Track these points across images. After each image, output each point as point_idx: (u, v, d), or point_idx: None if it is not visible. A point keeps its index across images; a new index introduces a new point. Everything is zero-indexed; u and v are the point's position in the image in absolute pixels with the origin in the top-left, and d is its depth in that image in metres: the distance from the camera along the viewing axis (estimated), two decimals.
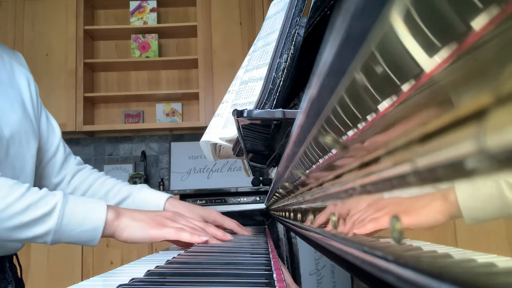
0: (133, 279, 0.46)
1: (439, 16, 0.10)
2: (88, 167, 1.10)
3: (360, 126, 0.18)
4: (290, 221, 0.57)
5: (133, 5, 3.16)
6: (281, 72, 0.54)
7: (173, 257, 0.66)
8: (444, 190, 0.12)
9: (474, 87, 0.10)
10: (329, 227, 0.28)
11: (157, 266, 0.55)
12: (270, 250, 0.70)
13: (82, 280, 0.63)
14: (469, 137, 0.10)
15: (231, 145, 0.72)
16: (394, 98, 0.14)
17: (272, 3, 0.69)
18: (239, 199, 2.70)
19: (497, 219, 0.10)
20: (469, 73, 0.10)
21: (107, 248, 2.57)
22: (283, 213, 0.71)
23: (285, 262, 0.60)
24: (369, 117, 0.17)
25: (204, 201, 2.69)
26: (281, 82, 0.54)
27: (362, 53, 0.15)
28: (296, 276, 0.49)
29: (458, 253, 0.12)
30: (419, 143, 0.13)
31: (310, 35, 0.58)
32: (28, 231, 0.71)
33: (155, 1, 3.17)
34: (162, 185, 3.02)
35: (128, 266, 0.63)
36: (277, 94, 0.54)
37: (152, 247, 2.52)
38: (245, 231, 1.04)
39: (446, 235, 0.13)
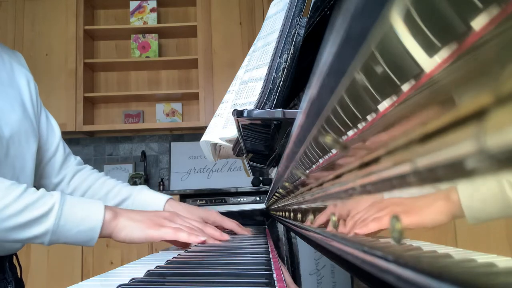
0: (133, 279, 0.46)
1: (439, 16, 0.10)
2: (88, 167, 1.10)
3: (360, 126, 0.18)
4: (290, 221, 0.57)
5: (133, 5, 3.16)
6: (281, 72, 0.54)
7: (173, 257, 0.66)
8: (446, 190, 0.12)
9: (474, 87, 0.10)
10: (329, 227, 0.28)
11: (157, 266, 0.55)
12: (270, 250, 0.70)
13: (82, 280, 0.63)
14: (470, 137, 0.10)
15: (231, 145, 0.72)
16: (394, 98, 0.14)
17: (272, 3, 0.69)
18: (239, 199, 2.70)
19: (498, 219, 0.10)
20: (469, 73, 0.10)
21: (107, 248, 2.57)
22: (283, 213, 0.71)
23: (285, 262, 0.60)
24: (369, 117, 0.17)
25: (204, 201, 2.69)
26: (281, 82, 0.54)
27: (362, 53, 0.15)
28: (296, 276, 0.49)
29: (458, 253, 0.12)
30: (420, 143, 0.13)
31: (310, 35, 0.58)
32: (25, 231, 0.71)
33: (155, 1, 3.17)
34: (162, 185, 3.02)
35: (128, 266, 0.63)
36: (277, 94, 0.54)
37: (152, 247, 2.53)
38: (245, 231, 1.04)
39: (446, 235, 0.13)
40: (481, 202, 0.10)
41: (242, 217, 1.40)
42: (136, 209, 0.98)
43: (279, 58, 0.54)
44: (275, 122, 0.50)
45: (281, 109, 0.49)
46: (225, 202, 2.69)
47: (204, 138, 0.79)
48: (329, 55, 0.17)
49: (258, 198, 2.69)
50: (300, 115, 0.27)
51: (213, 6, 3.07)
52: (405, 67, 0.13)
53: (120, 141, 3.23)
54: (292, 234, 0.60)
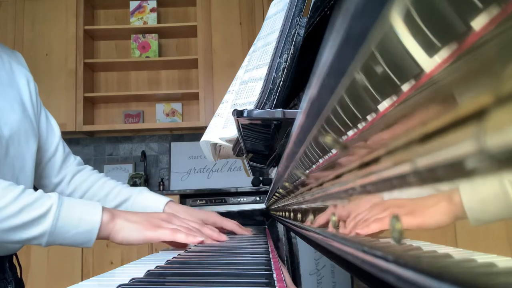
0: (133, 279, 0.46)
1: (439, 16, 0.10)
2: (88, 167, 1.10)
3: (360, 126, 0.18)
4: (290, 221, 0.57)
5: (133, 5, 3.16)
6: (281, 72, 0.54)
7: (173, 257, 0.66)
8: (448, 192, 0.12)
9: (475, 87, 0.10)
10: (329, 227, 0.28)
11: (157, 266, 0.55)
12: (270, 250, 0.70)
13: (82, 280, 0.63)
14: (471, 137, 0.10)
15: (231, 145, 0.72)
16: (394, 98, 0.14)
17: (272, 3, 0.69)
18: (239, 199, 2.70)
19: (501, 220, 0.10)
20: (469, 73, 0.10)
21: (107, 248, 2.57)
22: (283, 213, 0.71)
23: (285, 262, 0.60)
24: (369, 117, 0.17)
25: (204, 201, 2.69)
26: (281, 82, 0.54)
27: (362, 53, 0.15)
28: (296, 276, 0.49)
29: (458, 253, 0.12)
30: (420, 143, 0.13)
31: (310, 35, 0.58)
32: (23, 232, 0.71)
33: (155, 1, 3.17)
34: (162, 185, 3.02)
35: (128, 266, 0.63)
36: (277, 94, 0.54)
37: (152, 247, 2.53)
38: (245, 231, 1.05)
39: (446, 235, 0.13)
40: (483, 204, 0.10)
41: (242, 217, 1.40)
42: (135, 211, 0.98)
43: (279, 58, 0.54)
44: (275, 122, 0.50)
45: (281, 109, 0.49)
46: (225, 202, 2.69)
47: (204, 138, 0.79)
48: (329, 55, 0.17)
49: (258, 198, 2.69)
50: (300, 115, 0.27)
51: (213, 6, 3.07)
52: (405, 67, 0.13)
53: (120, 141, 3.23)
54: (292, 234, 0.60)
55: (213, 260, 0.59)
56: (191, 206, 2.66)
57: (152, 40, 3.13)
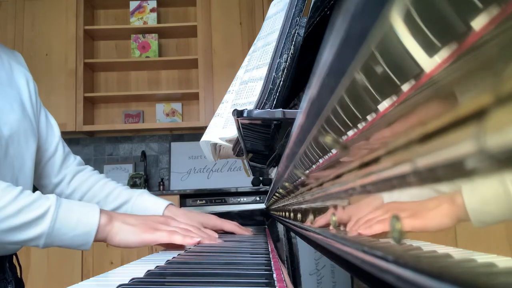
0: (133, 279, 0.46)
1: (439, 16, 0.10)
2: (89, 168, 1.10)
3: (360, 126, 0.18)
4: (290, 221, 0.57)
5: (133, 5, 3.16)
6: (281, 72, 0.54)
7: (173, 257, 0.66)
8: (450, 193, 0.12)
9: (475, 87, 0.10)
10: (330, 227, 0.28)
11: (157, 266, 0.55)
12: (270, 250, 0.70)
13: (82, 280, 0.63)
14: (473, 137, 0.10)
15: (231, 145, 0.72)
16: (394, 98, 0.14)
17: (272, 3, 0.69)
18: (239, 199, 2.70)
19: (504, 221, 0.10)
20: (469, 73, 0.10)
21: (107, 248, 2.57)
22: (283, 213, 0.71)
23: (285, 262, 0.60)
24: (369, 117, 0.17)
25: (204, 201, 2.69)
26: (281, 82, 0.54)
27: (362, 53, 0.15)
28: (296, 276, 0.49)
29: (458, 253, 0.12)
30: (420, 143, 0.13)
31: (310, 35, 0.58)
32: (20, 234, 0.71)
33: (155, 1, 3.17)
34: (162, 185, 3.02)
35: (128, 266, 0.63)
36: (277, 94, 0.54)
37: (152, 247, 2.53)
38: (245, 232, 1.05)
39: (446, 235, 0.13)
40: (487, 205, 0.10)
41: (242, 218, 1.40)
42: (135, 214, 0.98)
43: (279, 58, 0.54)
44: (275, 122, 0.50)
45: (281, 109, 0.49)
46: (225, 202, 2.69)
47: (204, 138, 0.79)
48: (329, 55, 0.17)
49: (258, 198, 2.69)
50: (300, 115, 0.27)
51: (213, 6, 3.07)
52: (405, 67, 0.13)
53: (120, 141, 3.23)
54: (292, 234, 0.60)
55: (213, 260, 0.59)
56: (191, 206, 2.66)
57: (152, 40, 3.13)
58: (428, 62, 0.11)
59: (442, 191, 0.12)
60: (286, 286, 0.42)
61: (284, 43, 0.54)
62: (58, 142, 1.04)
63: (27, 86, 0.97)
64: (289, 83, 0.55)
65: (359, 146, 0.19)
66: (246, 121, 0.52)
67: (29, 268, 2.52)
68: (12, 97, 0.91)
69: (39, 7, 3.04)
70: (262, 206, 2.09)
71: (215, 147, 0.81)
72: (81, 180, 1.05)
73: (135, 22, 3.14)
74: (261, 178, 2.35)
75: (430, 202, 0.13)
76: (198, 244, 0.81)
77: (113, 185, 1.05)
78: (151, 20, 3.15)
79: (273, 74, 0.54)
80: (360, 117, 0.18)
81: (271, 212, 1.16)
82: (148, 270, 0.51)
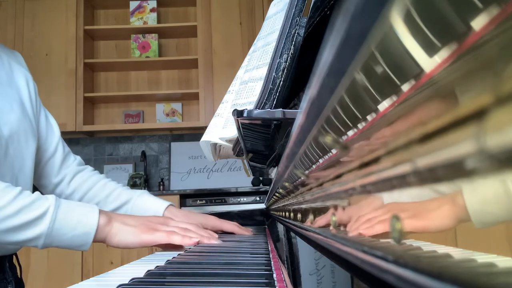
0: (133, 279, 0.46)
1: (439, 16, 0.10)
2: (89, 168, 1.10)
3: (360, 126, 0.18)
4: (290, 221, 0.57)
5: (133, 5, 3.16)
6: (281, 72, 0.54)
7: (173, 257, 0.66)
8: (451, 194, 0.12)
9: (475, 87, 0.10)
10: (330, 227, 0.28)
11: (157, 266, 0.55)
12: (270, 250, 0.70)
13: (82, 280, 0.63)
14: (473, 137, 0.10)
15: (231, 145, 0.72)
16: (394, 98, 0.14)
17: (272, 3, 0.69)
18: (239, 199, 2.70)
19: (505, 222, 0.10)
20: (470, 73, 0.10)
21: (107, 248, 2.57)
22: (283, 213, 0.71)
23: (285, 262, 0.60)
24: (369, 117, 0.17)
25: (204, 201, 2.69)
26: (281, 82, 0.54)
27: (362, 53, 0.15)
28: (296, 276, 0.49)
29: (458, 253, 0.12)
30: (420, 143, 0.13)
31: (310, 35, 0.58)
32: (20, 234, 0.71)
33: (155, 1, 3.17)
34: (162, 185, 3.02)
35: (128, 266, 0.63)
36: (277, 94, 0.54)
37: (152, 247, 2.52)
38: (245, 232, 1.05)
39: (446, 235, 0.13)
40: (487, 206, 0.10)
41: (241, 218, 1.40)
42: (135, 214, 0.98)
43: (279, 58, 0.54)
44: (275, 122, 0.50)
45: (281, 109, 0.49)
46: (225, 202, 2.69)
47: (204, 138, 0.79)
48: (329, 55, 0.17)
49: (258, 198, 2.69)
50: (300, 115, 0.27)
51: (213, 6, 3.07)
52: (405, 67, 0.13)
53: (120, 141, 3.23)
54: (292, 234, 0.60)
55: (213, 260, 0.59)
56: (191, 206, 2.66)
57: (152, 40, 3.13)
58: (428, 62, 0.11)
59: (442, 192, 0.12)
60: (286, 286, 0.42)
61: (284, 43, 0.54)
62: (58, 142, 1.04)
63: (27, 86, 0.97)
64: (289, 83, 0.55)
65: (359, 146, 0.19)
66: (246, 121, 0.52)
67: (29, 268, 2.52)
68: (12, 97, 0.91)
69: (39, 7, 3.04)
70: (262, 206, 2.09)
71: (215, 147, 0.81)
72: (81, 180, 1.05)
73: (135, 22, 3.14)
74: (261, 178, 2.35)
75: (431, 203, 0.13)
76: (197, 244, 0.81)
77: (113, 185, 1.05)
78: (151, 20, 3.15)
79: (273, 74, 0.54)
80: (360, 117, 0.18)
81: (271, 212, 1.16)
82: (148, 270, 0.51)
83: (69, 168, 1.05)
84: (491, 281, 0.10)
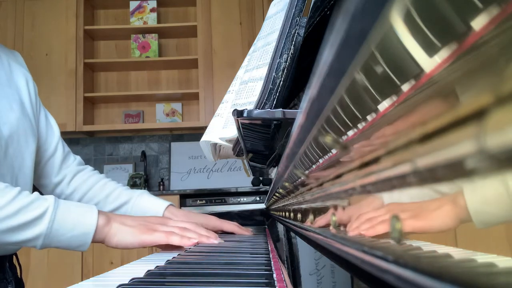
0: (133, 279, 0.46)
1: (439, 16, 0.10)
2: (89, 168, 1.10)
3: (360, 126, 0.18)
4: (290, 221, 0.57)
5: (133, 5, 3.16)
6: (281, 72, 0.54)
7: (173, 257, 0.66)
8: (452, 195, 0.12)
9: (475, 87, 0.10)
10: (330, 227, 0.28)
11: (157, 266, 0.55)
12: (270, 250, 0.70)
13: (82, 280, 0.63)
14: (473, 137, 0.10)
15: (231, 145, 0.72)
16: (394, 98, 0.14)
17: (272, 3, 0.69)
18: (239, 199, 2.70)
19: (506, 222, 0.10)
20: (470, 73, 0.10)
21: (107, 248, 2.55)
22: (283, 213, 0.71)
23: (285, 262, 0.60)
24: (369, 117, 0.17)
25: (204, 201, 2.69)
26: (281, 82, 0.54)
27: (362, 53, 0.15)
28: (296, 276, 0.49)
29: (458, 253, 0.12)
30: (420, 143, 0.13)
31: (310, 35, 0.58)
32: (18, 234, 0.71)
33: (155, 1, 3.17)
34: (162, 185, 3.02)
35: (128, 266, 0.63)
36: (277, 94, 0.54)
37: (151, 247, 2.52)
38: (245, 232, 1.05)
39: (446, 235, 0.13)
40: (489, 206, 0.10)
41: (241, 218, 1.40)
42: (134, 214, 0.98)
43: (279, 58, 0.54)
44: (275, 122, 0.50)
45: (281, 109, 0.49)
46: (225, 202, 2.69)
47: (204, 138, 0.79)
48: (329, 55, 0.17)
49: (258, 198, 2.69)
50: (300, 115, 0.27)
51: (213, 6, 3.07)
52: (405, 67, 0.13)
53: (120, 141, 3.23)
54: (292, 234, 0.60)
55: (213, 260, 0.59)
56: (191, 206, 2.66)
57: (152, 40, 3.13)
58: (428, 62, 0.11)
59: (443, 192, 0.12)
60: (286, 286, 0.42)
61: (284, 43, 0.54)
62: (57, 142, 1.04)
63: (27, 86, 0.97)
64: (289, 83, 0.55)
65: (359, 146, 0.19)
66: (246, 121, 0.52)
67: (29, 268, 2.52)
68: (11, 97, 0.91)
69: (39, 7, 3.04)
70: (262, 206, 2.09)
71: (215, 147, 0.81)
72: (81, 180, 1.05)
73: (135, 22, 3.14)
74: (261, 178, 2.35)
75: (432, 203, 0.13)
76: (197, 244, 0.81)
77: (114, 185, 1.05)
78: (151, 20, 3.15)
79: (273, 74, 0.54)
80: (360, 117, 0.18)
81: (271, 212, 1.16)
82: (148, 270, 0.51)
83: (69, 168, 1.05)
84: (491, 281, 0.10)
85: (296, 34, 0.54)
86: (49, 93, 2.89)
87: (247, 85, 0.63)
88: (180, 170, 3.08)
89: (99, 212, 0.78)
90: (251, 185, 2.64)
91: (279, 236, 1.06)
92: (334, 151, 0.23)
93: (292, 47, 0.54)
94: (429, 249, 0.14)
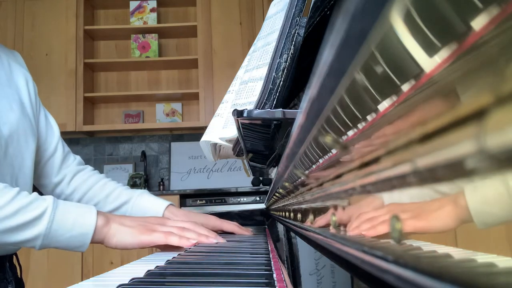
0: (133, 279, 0.46)
1: (439, 16, 0.10)
2: (89, 168, 1.10)
3: (360, 126, 0.18)
4: (290, 221, 0.57)
5: (133, 5, 3.16)
6: (281, 72, 0.54)
7: (173, 257, 0.66)
8: (452, 195, 0.12)
9: (475, 86, 0.10)
10: (330, 227, 0.28)
11: (157, 266, 0.55)
12: (270, 250, 0.70)
13: (82, 280, 0.63)
14: (473, 137, 0.10)
15: (231, 145, 0.72)
16: (394, 98, 0.14)
17: (272, 3, 0.69)
18: (239, 199, 2.70)
19: (507, 222, 0.10)
20: (470, 73, 0.10)
21: (107, 248, 2.56)
22: (283, 213, 0.71)
23: (285, 262, 0.60)
24: (369, 117, 0.17)
25: (204, 201, 2.69)
26: (281, 82, 0.54)
27: (362, 53, 0.15)
28: (296, 276, 0.49)
29: (458, 253, 0.12)
30: (420, 143, 0.13)
31: (310, 35, 0.58)
32: (17, 235, 0.71)
33: (155, 1, 3.17)
34: (162, 185, 3.02)
35: (128, 266, 0.63)
36: (277, 94, 0.54)
37: (152, 247, 2.52)
38: (245, 232, 1.05)
39: (446, 235, 0.13)
40: (490, 206, 0.10)
41: (241, 218, 1.40)
42: (135, 214, 0.98)
43: (279, 58, 0.54)
44: (275, 122, 0.50)
45: (281, 109, 0.49)
46: (225, 202, 2.69)
47: (204, 138, 0.79)
48: (329, 55, 0.17)
49: (258, 198, 2.69)
50: (300, 115, 0.27)
51: (213, 6, 3.07)
52: (405, 67, 0.13)
53: (120, 141, 3.23)
54: (292, 234, 0.60)
55: (213, 260, 0.59)
56: (191, 206, 2.66)
57: (152, 40, 3.13)
58: (428, 62, 0.11)
59: (444, 192, 0.12)
60: (286, 286, 0.42)
61: (284, 43, 0.54)
62: (57, 142, 1.04)
63: (27, 86, 0.97)
64: (289, 83, 0.55)
65: (359, 146, 0.19)
66: (246, 121, 0.52)
67: (29, 268, 2.52)
68: (11, 97, 0.91)
69: (39, 7, 3.04)
70: (262, 206, 2.09)
71: (215, 147, 0.81)
72: (81, 180, 1.05)
73: (135, 22, 3.14)
74: (261, 178, 2.35)
75: (432, 203, 0.13)
76: (197, 244, 0.81)
77: (113, 185, 1.05)
78: (151, 20, 3.15)
79: (273, 74, 0.54)
80: (360, 117, 0.18)
81: (271, 212, 1.16)
82: (148, 270, 0.51)
83: (69, 168, 1.05)
84: (491, 281, 0.10)
85: (296, 34, 0.54)
86: (49, 93, 2.89)
87: (247, 85, 0.63)
88: (180, 170, 3.08)
89: (98, 212, 0.78)
90: (251, 185, 2.64)
91: (279, 236, 1.06)
92: (334, 151, 0.23)
93: (292, 47, 0.54)
94: (429, 249, 0.14)
